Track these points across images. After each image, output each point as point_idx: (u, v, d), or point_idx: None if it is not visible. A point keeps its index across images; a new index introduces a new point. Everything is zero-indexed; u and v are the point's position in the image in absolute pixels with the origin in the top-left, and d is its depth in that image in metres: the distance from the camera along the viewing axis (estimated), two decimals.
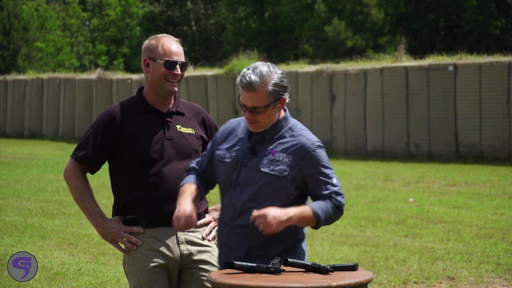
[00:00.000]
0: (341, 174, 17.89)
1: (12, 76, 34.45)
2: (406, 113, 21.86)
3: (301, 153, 4.01)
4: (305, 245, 4.15)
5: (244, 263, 3.89)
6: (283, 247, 4.03)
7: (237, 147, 4.05)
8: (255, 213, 3.85)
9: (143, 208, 4.39)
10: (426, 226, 11.09)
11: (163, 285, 4.34)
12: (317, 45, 40.19)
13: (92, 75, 31.17)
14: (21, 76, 34.17)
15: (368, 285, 3.87)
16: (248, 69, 3.96)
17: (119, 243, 4.43)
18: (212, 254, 4.44)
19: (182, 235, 4.40)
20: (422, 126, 21.53)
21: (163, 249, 4.37)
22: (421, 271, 8.23)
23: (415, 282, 7.83)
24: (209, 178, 4.20)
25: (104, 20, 49.72)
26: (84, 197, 4.48)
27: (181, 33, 49.34)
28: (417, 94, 21.62)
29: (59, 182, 16.08)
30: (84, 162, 4.48)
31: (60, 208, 12.60)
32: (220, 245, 4.12)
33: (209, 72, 26.68)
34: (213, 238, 4.47)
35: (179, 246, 4.39)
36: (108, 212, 4.58)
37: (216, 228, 4.48)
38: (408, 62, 22.64)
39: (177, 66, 4.42)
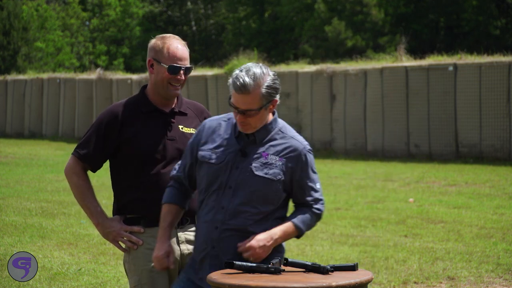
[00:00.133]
0: (341, 174, 17.89)
1: (12, 76, 34.46)
2: (406, 113, 21.86)
3: (293, 157, 4.00)
4: (284, 243, 4.14)
5: (244, 263, 3.89)
6: None
7: (223, 148, 3.98)
8: (242, 248, 3.89)
9: (143, 208, 4.40)
10: (426, 226, 11.09)
11: (163, 285, 4.34)
12: (317, 45, 40.20)
13: (92, 75, 31.17)
14: (21, 76, 34.18)
15: (368, 285, 3.87)
16: (241, 70, 3.90)
17: (120, 243, 4.44)
18: None
19: (182, 235, 4.40)
20: (422, 126, 21.53)
21: None
22: (421, 271, 8.23)
23: (415, 282, 7.83)
24: (189, 187, 4.14)
25: (104, 20, 49.72)
26: (86, 196, 4.48)
27: (181, 33, 49.34)
28: (417, 94, 21.63)
29: (59, 182, 16.08)
30: (86, 160, 4.47)
31: (60, 208, 12.61)
32: (203, 247, 4.01)
33: (209, 72, 26.68)
34: None
35: (179, 246, 4.39)
36: (108, 211, 4.58)
37: None
38: (408, 62, 22.65)
39: (181, 71, 4.40)
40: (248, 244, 3.89)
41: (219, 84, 26.35)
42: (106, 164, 4.56)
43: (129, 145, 4.40)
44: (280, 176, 3.96)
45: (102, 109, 29.31)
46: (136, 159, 4.39)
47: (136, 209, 4.41)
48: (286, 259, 3.96)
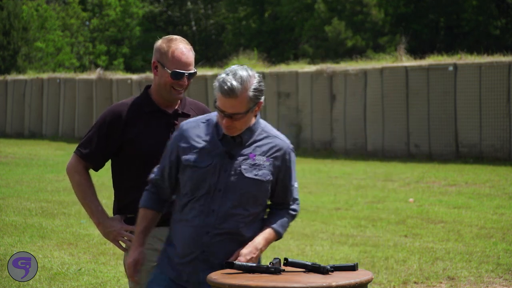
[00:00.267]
0: (341, 174, 17.90)
1: (12, 76, 34.47)
2: (406, 113, 21.86)
3: (279, 156, 3.98)
4: None
5: (244, 263, 3.89)
6: None
7: (208, 151, 3.93)
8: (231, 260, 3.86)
9: None
10: (426, 226, 11.10)
11: None
12: (317, 45, 40.21)
13: (92, 75, 31.18)
14: (21, 76, 34.19)
15: (368, 285, 3.87)
16: (227, 74, 3.84)
17: (120, 242, 4.43)
18: None
19: None
20: (422, 126, 21.53)
21: None
22: (421, 271, 8.23)
23: (415, 282, 7.83)
24: (169, 191, 4.06)
25: (104, 20, 49.72)
26: (87, 195, 4.47)
27: (181, 33, 49.36)
28: (417, 94, 21.63)
29: (59, 182, 16.08)
30: (88, 160, 4.46)
31: (60, 208, 12.61)
32: (190, 250, 3.94)
33: (209, 72, 26.68)
34: None
35: None
36: (108, 211, 4.57)
37: None
38: (408, 62, 22.65)
39: (184, 77, 4.38)
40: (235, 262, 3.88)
41: None
42: (107, 164, 4.56)
43: (132, 145, 4.39)
44: (269, 177, 3.95)
45: (102, 109, 29.32)
46: (138, 159, 4.38)
47: (137, 209, 4.40)
48: (286, 259, 3.96)
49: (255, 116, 3.99)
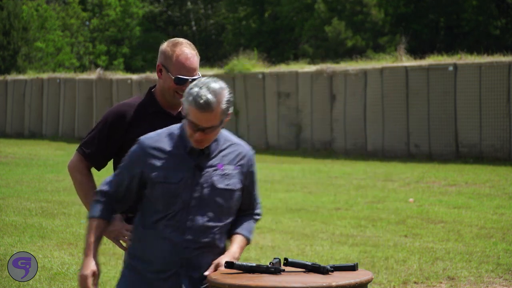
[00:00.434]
0: (341, 174, 17.90)
1: (12, 76, 34.48)
2: (406, 113, 21.86)
3: (244, 164, 3.97)
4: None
5: (244, 263, 3.89)
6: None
7: (177, 166, 3.86)
8: (209, 272, 3.85)
9: None
10: (426, 226, 11.10)
11: None
12: (317, 45, 40.21)
13: (92, 75, 31.19)
14: (21, 76, 34.19)
15: (368, 285, 3.87)
16: (200, 88, 3.77)
17: (121, 241, 4.43)
18: None
19: None
20: (422, 126, 21.53)
21: None
22: (421, 271, 8.23)
23: (415, 282, 7.83)
24: (123, 204, 3.96)
25: (104, 20, 49.73)
26: (88, 194, 4.47)
27: (181, 33, 49.36)
28: (417, 94, 21.63)
29: (59, 182, 16.08)
30: (90, 160, 4.47)
31: (60, 208, 12.61)
32: (168, 267, 3.89)
33: (209, 72, 26.68)
34: None
35: None
36: None
37: None
38: (408, 62, 22.65)
39: (188, 82, 4.34)
40: (216, 270, 3.87)
41: None
42: (108, 164, 4.56)
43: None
44: (239, 185, 3.94)
45: (102, 109, 29.35)
46: None
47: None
48: (286, 259, 3.96)
49: None
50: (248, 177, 4.00)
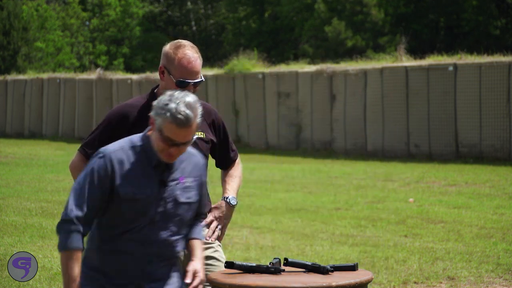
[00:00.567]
0: (341, 174, 17.89)
1: (12, 76, 34.48)
2: (406, 113, 21.86)
3: (199, 174, 3.98)
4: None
5: (244, 263, 3.89)
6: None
7: (144, 181, 3.80)
8: (190, 280, 3.83)
9: None
10: (426, 226, 11.09)
11: None
12: (317, 45, 40.21)
13: (92, 75, 31.18)
14: (21, 76, 34.19)
15: (368, 285, 3.88)
16: (177, 103, 3.68)
17: None
18: (215, 249, 4.43)
19: None
20: (422, 126, 21.53)
21: None
22: (421, 271, 8.23)
23: (415, 282, 7.83)
24: (91, 226, 3.83)
25: (104, 20, 49.73)
26: None
27: (181, 33, 49.37)
28: (417, 94, 21.63)
29: (59, 182, 16.08)
30: None
31: (60, 208, 12.60)
32: (130, 280, 3.86)
33: (209, 72, 26.68)
34: (216, 238, 4.46)
35: None
36: None
37: (219, 227, 4.48)
38: (408, 62, 22.65)
39: (189, 86, 4.34)
40: (198, 281, 3.86)
41: (219, 84, 26.36)
42: None
43: None
44: (197, 197, 3.95)
45: (102, 109, 29.36)
46: None
47: None
48: (286, 259, 3.96)
49: None
50: (203, 186, 4.01)
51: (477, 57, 21.39)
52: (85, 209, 3.73)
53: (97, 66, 42.09)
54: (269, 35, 44.49)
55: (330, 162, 21.16)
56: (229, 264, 3.93)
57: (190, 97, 3.75)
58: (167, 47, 4.40)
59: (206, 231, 4.44)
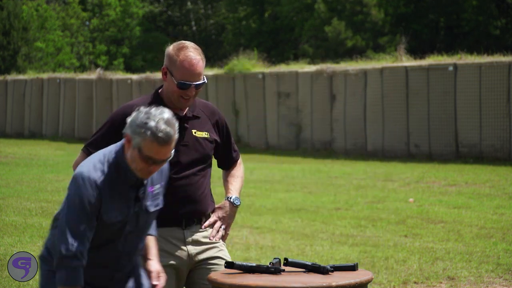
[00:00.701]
0: (341, 174, 17.89)
1: (12, 76, 34.47)
2: (406, 113, 21.86)
3: (165, 177, 4.00)
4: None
5: (244, 263, 3.90)
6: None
7: (123, 202, 3.79)
8: (156, 282, 3.88)
9: None
10: (426, 226, 11.09)
11: (170, 285, 4.31)
12: (317, 45, 40.21)
13: (92, 75, 31.18)
14: (21, 76, 34.19)
15: (368, 285, 3.88)
16: (157, 121, 3.63)
17: None
18: (219, 249, 4.44)
19: (189, 235, 4.40)
20: (422, 126, 21.53)
21: (171, 249, 4.36)
22: (421, 271, 8.23)
23: (415, 282, 7.83)
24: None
25: (104, 20, 49.73)
26: None
27: (181, 33, 49.38)
28: (417, 94, 21.63)
29: (59, 182, 16.07)
30: None
31: None
32: (99, 285, 3.90)
33: (209, 72, 26.68)
34: (220, 238, 4.46)
35: (186, 246, 4.38)
36: None
37: (223, 227, 4.48)
38: (408, 62, 22.65)
39: (191, 87, 4.33)
40: (164, 281, 3.91)
41: (219, 84, 26.36)
42: None
43: None
44: (163, 200, 4.00)
45: (102, 109, 29.36)
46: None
47: None
48: (286, 259, 3.96)
49: None
50: (164, 187, 4.03)
51: (477, 57, 21.39)
52: (85, 242, 3.70)
53: (97, 66, 42.09)
54: (269, 35, 44.49)
55: (330, 162, 21.16)
56: (229, 264, 3.93)
57: (167, 113, 3.70)
58: (170, 48, 4.38)
59: (210, 231, 4.45)
